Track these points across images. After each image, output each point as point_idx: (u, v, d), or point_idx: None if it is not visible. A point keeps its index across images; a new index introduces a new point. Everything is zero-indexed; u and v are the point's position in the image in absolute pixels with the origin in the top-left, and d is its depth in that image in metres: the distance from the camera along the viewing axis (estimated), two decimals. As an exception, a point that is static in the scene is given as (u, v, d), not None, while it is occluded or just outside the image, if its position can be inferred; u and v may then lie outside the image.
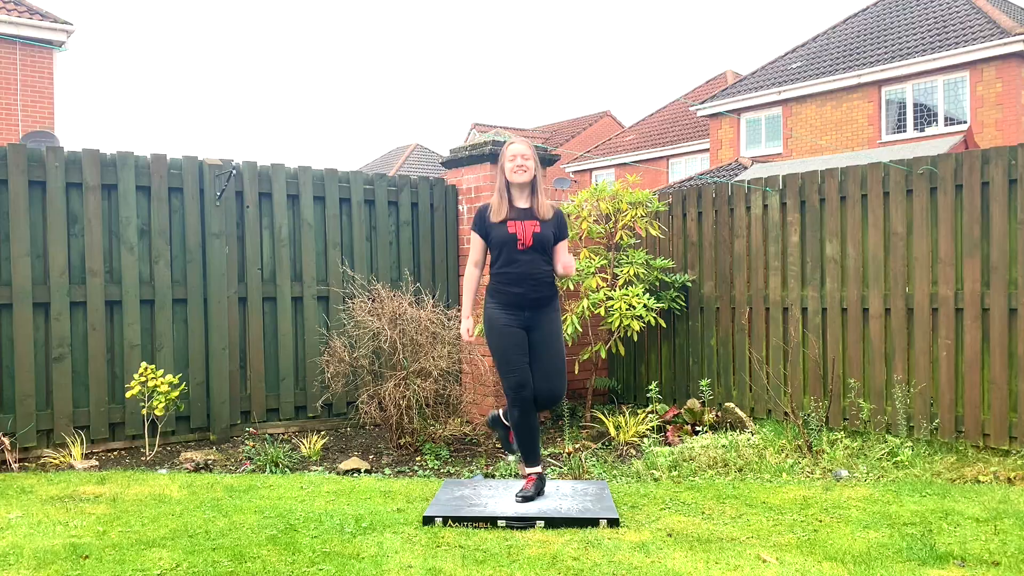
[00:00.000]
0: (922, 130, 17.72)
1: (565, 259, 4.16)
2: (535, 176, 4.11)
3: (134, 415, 5.49)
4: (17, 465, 4.98)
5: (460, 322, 4.34)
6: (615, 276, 6.39)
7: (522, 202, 4.11)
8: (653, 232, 6.44)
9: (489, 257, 4.17)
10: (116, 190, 5.56)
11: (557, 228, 4.14)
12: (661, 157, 26.30)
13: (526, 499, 4.00)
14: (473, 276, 4.23)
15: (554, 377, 4.07)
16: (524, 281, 4.02)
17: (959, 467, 4.81)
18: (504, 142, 6.41)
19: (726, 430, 5.75)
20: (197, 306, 5.79)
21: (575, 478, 4.88)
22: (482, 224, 4.12)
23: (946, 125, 17.37)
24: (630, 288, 6.10)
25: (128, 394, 5.32)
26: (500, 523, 3.76)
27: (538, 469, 4.13)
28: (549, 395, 4.06)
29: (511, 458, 5.14)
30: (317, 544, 3.43)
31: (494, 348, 4.07)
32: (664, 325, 6.59)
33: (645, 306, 6.00)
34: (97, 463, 5.11)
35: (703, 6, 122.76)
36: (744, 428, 5.82)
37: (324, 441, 5.66)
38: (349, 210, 6.45)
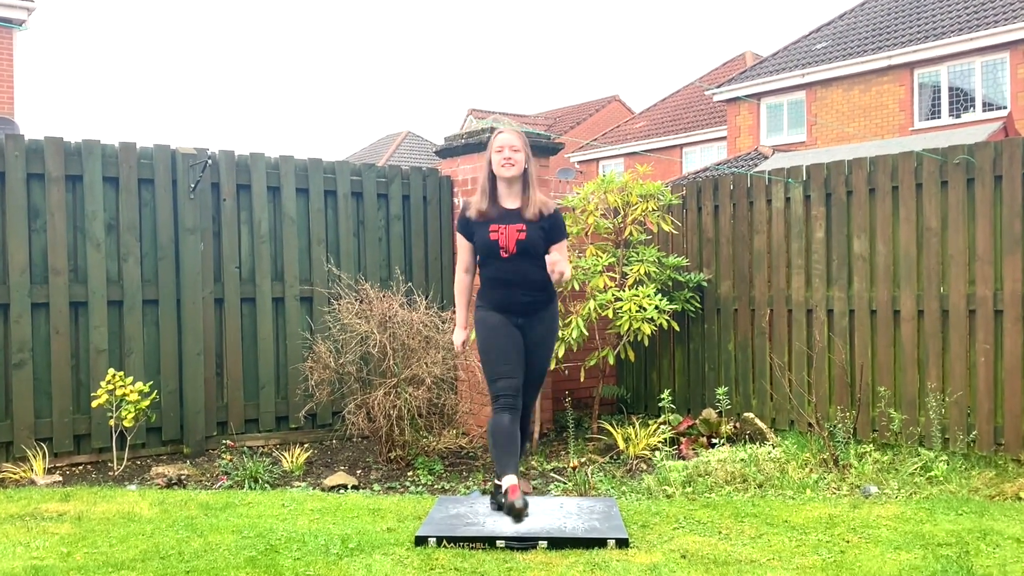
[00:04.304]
0: (958, 116, 17.72)
1: (560, 266, 3.87)
2: (526, 170, 4.03)
3: (101, 426, 5.49)
4: (-26, 481, 4.98)
5: (462, 343, 4.29)
6: (624, 275, 6.39)
7: (510, 200, 4.05)
8: (665, 227, 6.44)
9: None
10: (81, 182, 5.56)
11: (550, 230, 4.04)
12: (674, 146, 26.30)
13: (517, 512, 3.81)
14: (464, 283, 4.18)
15: (527, 387, 4.10)
16: (512, 287, 4.02)
17: (998, 483, 4.81)
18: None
19: (745, 442, 5.75)
20: (170, 308, 5.79)
21: (581, 494, 4.89)
22: (466, 225, 4.08)
23: (984, 111, 17.37)
24: (640, 288, 6.11)
25: (94, 403, 5.32)
26: (499, 543, 3.76)
27: (513, 483, 3.84)
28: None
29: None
30: (300, 567, 3.43)
31: (482, 346, 4.06)
32: (677, 328, 6.59)
33: (657, 307, 6.01)
34: (61, 478, 5.11)
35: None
36: (765, 440, 5.82)
37: (308, 455, 5.66)
38: (335, 203, 6.45)
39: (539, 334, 4.09)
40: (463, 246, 4.14)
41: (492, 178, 4.05)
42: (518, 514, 3.76)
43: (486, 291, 4.07)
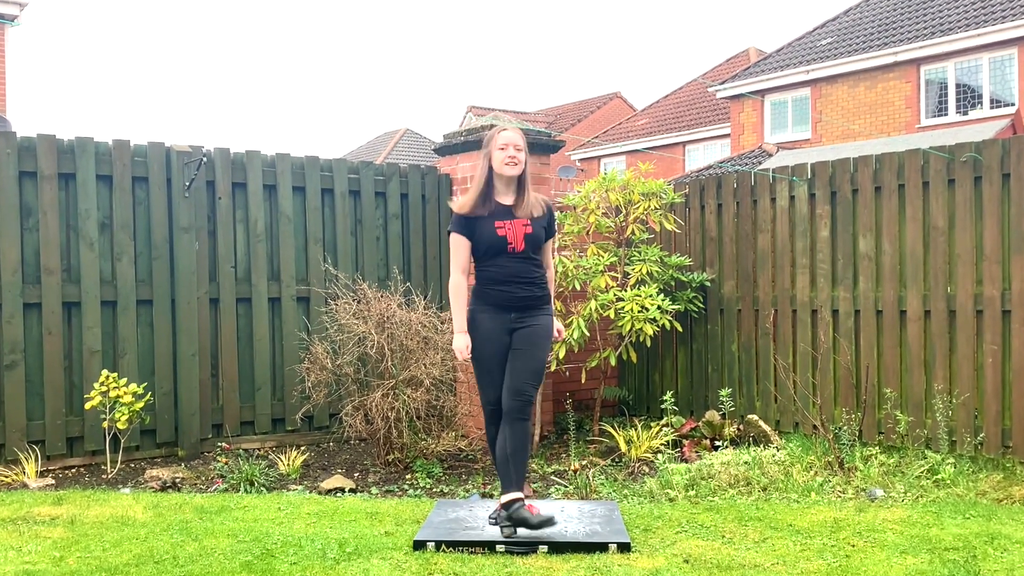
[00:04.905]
0: (965, 113, 17.72)
1: (547, 259, 4.19)
2: (525, 170, 4.07)
3: (94, 428, 5.49)
4: (-35, 484, 4.98)
5: (454, 335, 4.22)
6: (626, 275, 6.39)
7: (507, 198, 4.06)
8: (668, 226, 6.44)
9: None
10: (74, 180, 5.56)
11: (548, 225, 4.13)
12: (677, 143, 26.31)
13: (534, 525, 3.84)
14: (461, 285, 4.10)
15: (522, 375, 3.96)
16: (511, 281, 4.01)
17: (1006, 486, 4.81)
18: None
19: (749, 445, 5.75)
20: (164, 308, 5.79)
21: (582, 498, 4.89)
22: (465, 223, 4.03)
23: (992, 108, 17.37)
24: (642, 288, 6.10)
25: (88, 405, 5.32)
26: (499, 548, 3.76)
27: (519, 495, 3.90)
28: (512, 391, 3.95)
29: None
30: (296, 571, 3.43)
31: (474, 356, 4.06)
32: (680, 329, 6.59)
33: (659, 308, 6.00)
34: (53, 481, 5.11)
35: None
36: (769, 443, 5.82)
37: (304, 457, 5.66)
38: (332, 202, 6.45)
39: (534, 329, 4.04)
40: (461, 245, 4.06)
41: (490, 175, 4.05)
42: (530, 525, 3.85)
43: (484, 289, 4.05)
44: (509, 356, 4.02)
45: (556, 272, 4.33)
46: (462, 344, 4.05)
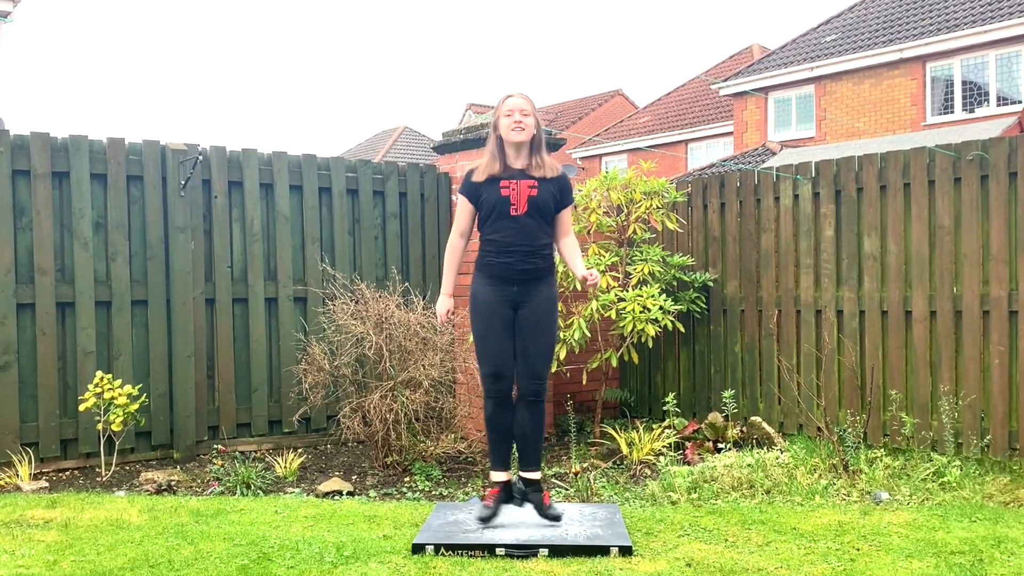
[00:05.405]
0: (971, 111, 17.72)
1: (563, 228, 4.14)
2: (536, 134, 4.06)
3: (88, 430, 5.49)
4: (-43, 486, 4.98)
5: (446, 312, 4.26)
6: (628, 275, 6.39)
7: (519, 162, 4.07)
8: (670, 225, 6.44)
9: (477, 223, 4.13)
10: (68, 178, 5.56)
11: (559, 192, 4.07)
12: (679, 141, 26.30)
13: (483, 520, 4.01)
14: (457, 247, 4.16)
15: (536, 359, 4.04)
16: (514, 250, 3.99)
17: (1013, 489, 4.81)
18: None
19: (752, 447, 5.75)
20: (159, 308, 5.79)
21: (583, 501, 4.89)
22: (472, 187, 4.07)
23: (998, 105, 17.36)
24: (644, 288, 6.10)
25: (82, 407, 5.31)
26: (499, 551, 3.76)
27: (504, 477, 4.15)
28: (527, 375, 4.05)
29: (513, 478, 5.13)
30: (293, 575, 3.43)
31: (474, 328, 4.09)
32: (682, 329, 6.59)
33: (661, 308, 6.00)
34: (47, 484, 5.10)
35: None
36: (772, 445, 5.81)
37: (302, 460, 5.66)
38: (329, 201, 6.45)
39: (540, 306, 4.04)
40: (465, 208, 4.11)
41: (500, 143, 4.06)
42: (483, 521, 4.02)
43: (485, 257, 4.05)
44: (518, 337, 4.04)
45: (556, 272, 4.31)
46: (443, 308, 4.21)
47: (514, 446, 4.23)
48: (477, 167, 4.10)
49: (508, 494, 4.15)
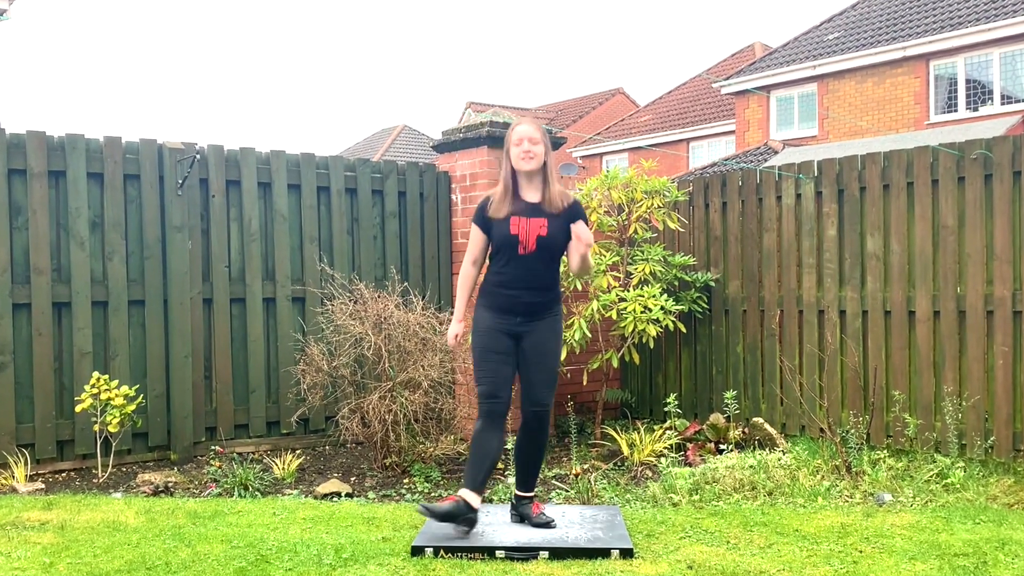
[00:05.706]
0: (975, 109, 17.72)
1: (582, 231, 3.88)
2: (546, 162, 4.07)
3: (85, 432, 5.49)
4: (-47, 488, 4.98)
5: (455, 337, 4.32)
6: (628, 274, 6.39)
7: (531, 194, 4.08)
8: (671, 225, 6.43)
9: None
10: (64, 177, 5.55)
11: (569, 219, 4.05)
12: (680, 140, 26.30)
13: (429, 511, 3.87)
14: (469, 275, 4.22)
15: (538, 386, 4.08)
16: (519, 285, 4.03)
17: (1017, 490, 4.81)
18: (503, 122, 6.43)
19: (754, 448, 5.75)
20: (156, 308, 5.79)
21: (583, 503, 4.88)
22: (484, 217, 4.11)
23: (1003, 104, 17.36)
24: (645, 288, 6.10)
25: (78, 408, 5.31)
26: (499, 554, 3.76)
27: (469, 498, 3.93)
28: (530, 401, 4.09)
29: (511, 479, 5.14)
30: (291, 578, 3.43)
31: (474, 348, 4.11)
32: (684, 330, 6.59)
33: (662, 308, 6.00)
34: (43, 486, 5.10)
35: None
36: (774, 446, 5.81)
37: (300, 461, 5.65)
38: (328, 200, 6.45)
39: (542, 335, 4.08)
40: (477, 237, 4.15)
41: (513, 172, 4.08)
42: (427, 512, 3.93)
43: (491, 288, 4.09)
44: (521, 364, 4.08)
45: (563, 300, 4.36)
46: (452, 333, 4.27)
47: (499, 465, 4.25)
48: (493, 197, 4.11)
49: (471, 521, 3.97)
